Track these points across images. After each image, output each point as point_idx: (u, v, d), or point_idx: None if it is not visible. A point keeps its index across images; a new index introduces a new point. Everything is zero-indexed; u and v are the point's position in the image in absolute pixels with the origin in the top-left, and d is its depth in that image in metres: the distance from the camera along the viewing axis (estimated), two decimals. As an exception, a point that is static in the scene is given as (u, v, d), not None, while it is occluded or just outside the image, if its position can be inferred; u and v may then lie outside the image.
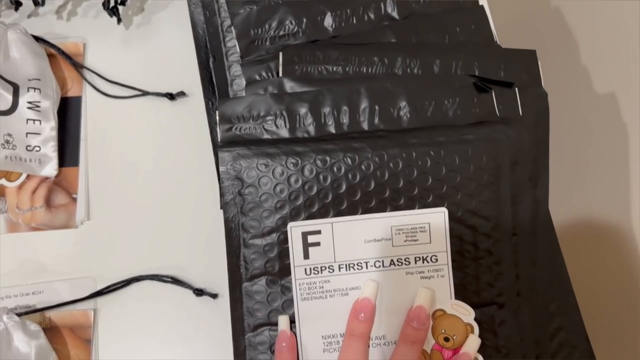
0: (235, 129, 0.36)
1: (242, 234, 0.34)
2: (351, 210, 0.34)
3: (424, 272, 0.34)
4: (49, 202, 0.42)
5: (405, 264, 0.34)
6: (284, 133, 0.36)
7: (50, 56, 0.44)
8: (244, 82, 0.38)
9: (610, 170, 0.49)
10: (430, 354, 0.34)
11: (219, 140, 0.36)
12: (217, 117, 0.36)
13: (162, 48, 0.45)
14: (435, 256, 0.35)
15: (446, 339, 0.34)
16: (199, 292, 0.38)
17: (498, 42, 0.39)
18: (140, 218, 0.41)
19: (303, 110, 0.36)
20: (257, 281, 0.34)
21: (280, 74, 0.37)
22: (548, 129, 0.37)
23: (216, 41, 0.40)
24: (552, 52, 0.51)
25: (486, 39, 0.39)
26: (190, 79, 0.42)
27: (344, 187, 0.34)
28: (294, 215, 0.34)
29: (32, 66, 0.42)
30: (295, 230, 0.34)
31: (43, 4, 0.44)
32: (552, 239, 0.37)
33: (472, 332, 0.34)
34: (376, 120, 0.36)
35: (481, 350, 0.34)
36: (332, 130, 0.36)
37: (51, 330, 0.38)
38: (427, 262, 0.34)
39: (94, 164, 0.43)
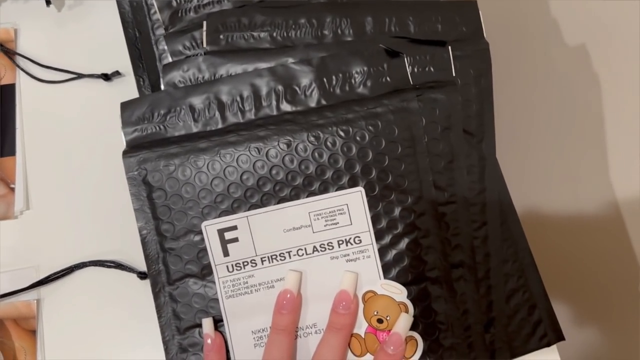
0: (139, 130, 0.35)
1: (158, 239, 0.33)
2: (265, 202, 0.33)
3: (348, 254, 0.33)
4: None
5: (328, 248, 0.33)
6: (189, 128, 0.34)
7: None
8: (171, 58, 0.37)
9: (575, 129, 0.46)
10: (365, 338, 0.33)
11: (124, 145, 0.35)
12: (120, 122, 0.35)
13: (95, 28, 0.44)
14: (359, 237, 0.33)
15: (379, 321, 0.33)
16: (143, 276, 0.38)
17: None
18: (80, 204, 0.41)
19: (205, 101, 0.34)
20: (179, 284, 0.34)
21: (205, 44, 0.36)
22: (491, 81, 0.35)
23: (141, 15, 0.39)
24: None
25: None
26: (125, 58, 0.40)
27: (253, 180, 0.33)
28: (207, 214, 0.33)
29: None
30: (210, 228, 0.33)
31: None
32: (503, 195, 0.35)
33: (406, 311, 0.33)
34: (282, 103, 0.34)
35: (419, 328, 0.33)
36: (237, 119, 0.34)
37: None
38: (351, 244, 0.33)
39: (32, 152, 0.42)
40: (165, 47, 0.37)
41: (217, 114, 0.34)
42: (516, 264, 0.35)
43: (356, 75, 0.34)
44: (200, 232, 0.33)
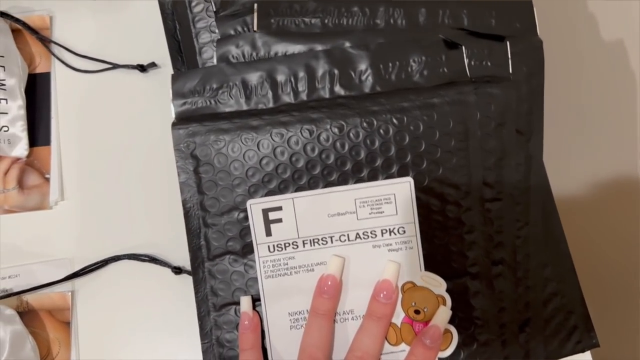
0: (190, 103, 0.34)
1: (201, 214, 0.33)
2: (312, 185, 0.33)
3: (391, 244, 0.33)
4: (22, 183, 0.41)
5: (371, 237, 0.33)
6: (240, 105, 0.34)
7: (15, 31, 0.42)
8: (212, 51, 0.36)
9: (618, 125, 0.46)
10: (401, 328, 0.33)
11: (173, 116, 0.34)
12: (170, 93, 0.34)
13: (132, 18, 0.43)
14: (403, 228, 0.33)
15: (417, 312, 0.33)
16: (178, 271, 0.38)
17: None
18: (115, 196, 0.41)
19: (258, 79, 0.34)
20: (219, 260, 0.34)
21: (255, 28, 0.35)
22: (543, 80, 0.35)
23: (181, 7, 0.38)
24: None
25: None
26: (161, 49, 0.39)
27: (303, 161, 0.33)
28: (253, 192, 0.33)
29: None
30: (255, 207, 0.33)
31: None
32: (546, 197, 0.35)
33: (444, 304, 0.33)
34: (336, 86, 0.34)
35: (455, 322, 0.33)
36: (290, 99, 0.34)
37: (29, 314, 0.39)
38: (395, 234, 0.33)
39: (66, 142, 0.42)
40: (205, 40, 0.37)
41: (270, 92, 0.34)
42: (556, 269, 0.35)
43: (413, 64, 0.33)
44: (245, 210, 0.33)
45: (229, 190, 0.33)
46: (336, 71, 0.34)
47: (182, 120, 0.34)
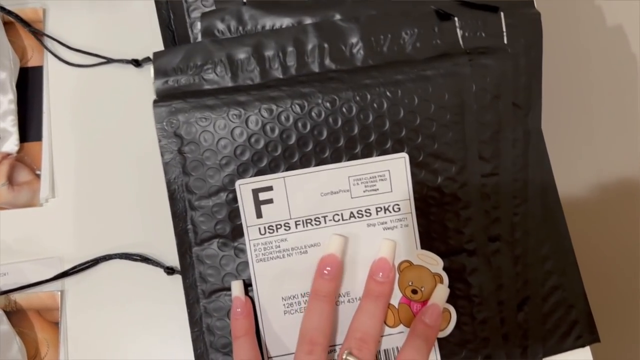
0: (173, 81, 0.32)
1: (187, 196, 0.32)
2: (304, 163, 0.32)
3: (386, 222, 0.32)
4: (12, 179, 0.39)
5: (365, 215, 0.32)
6: (226, 82, 0.32)
7: (7, 24, 0.40)
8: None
9: (620, 125, 0.46)
10: (399, 308, 0.32)
11: (154, 95, 0.32)
12: (152, 71, 0.32)
13: (127, 11, 0.41)
14: (398, 205, 0.32)
15: (414, 291, 0.32)
16: (170, 271, 0.36)
17: None
18: (107, 194, 0.39)
19: (244, 55, 0.32)
20: (207, 245, 0.32)
21: None
22: (541, 53, 0.34)
23: None
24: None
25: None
26: (156, 45, 0.38)
27: (294, 138, 0.31)
28: (242, 172, 0.31)
29: None
30: (245, 187, 0.31)
31: None
32: (545, 174, 0.34)
33: (442, 282, 0.32)
34: (326, 60, 0.32)
35: (453, 300, 0.32)
36: (279, 74, 0.32)
37: (17, 314, 0.37)
38: (390, 212, 0.32)
39: (58, 138, 0.40)
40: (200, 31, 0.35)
41: (257, 68, 0.32)
42: (558, 262, 0.34)
43: (405, 36, 0.32)
44: (234, 191, 0.31)
45: (216, 170, 0.31)
46: (326, 45, 0.32)
47: (164, 97, 0.32)
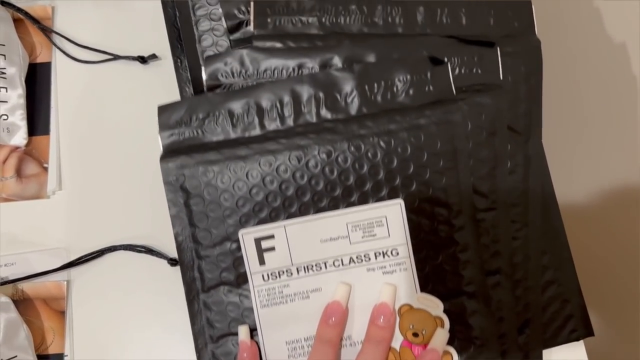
0: (177, 134, 0.34)
1: (194, 246, 0.33)
2: (303, 211, 0.33)
3: (385, 267, 0.33)
4: (20, 172, 0.41)
5: (365, 260, 0.33)
6: (227, 134, 0.34)
7: (17, 21, 0.42)
8: (211, 39, 0.36)
9: (621, 132, 0.46)
10: (400, 351, 0.33)
11: (161, 149, 0.34)
12: (158, 125, 0.34)
13: (133, 9, 0.43)
14: (396, 250, 0.33)
15: (415, 335, 0.33)
16: (174, 262, 0.37)
17: None
18: (113, 186, 0.40)
19: (244, 107, 0.34)
20: (214, 292, 0.33)
21: (252, 28, 0.35)
22: (541, 80, 0.35)
23: None
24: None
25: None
26: (162, 41, 0.39)
27: (292, 189, 0.33)
28: (244, 222, 0.33)
29: None
30: (247, 237, 0.33)
31: None
32: (546, 192, 0.35)
33: (442, 325, 0.33)
34: (322, 110, 0.34)
35: (455, 342, 0.33)
36: (277, 125, 0.34)
37: (24, 303, 0.38)
38: (388, 256, 0.33)
39: (65, 132, 0.41)
40: (205, 28, 0.36)
41: (256, 119, 0.34)
42: (554, 257, 0.35)
43: (398, 83, 0.33)
44: (237, 240, 0.33)
45: (220, 221, 0.33)
46: (321, 94, 0.33)
47: (170, 152, 0.34)
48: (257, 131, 0.34)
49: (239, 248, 0.33)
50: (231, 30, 0.36)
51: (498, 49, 0.34)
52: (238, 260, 0.33)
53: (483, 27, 0.35)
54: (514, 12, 0.35)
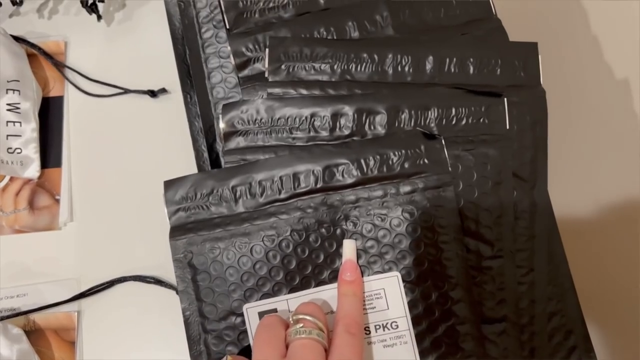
0: (183, 209, 0.36)
1: (200, 320, 0.35)
2: (304, 285, 0.34)
3: (385, 340, 0.33)
4: (32, 204, 0.42)
5: (365, 333, 0.34)
6: (231, 209, 0.35)
7: (31, 56, 0.44)
8: (220, 75, 0.38)
9: (621, 145, 0.47)
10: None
11: (169, 224, 0.36)
12: (164, 201, 0.36)
13: (144, 44, 0.45)
14: (395, 322, 0.33)
15: (417, 407, 0.33)
16: None
17: (496, 15, 0.38)
18: (123, 218, 0.41)
19: (245, 184, 0.35)
20: (220, 365, 0.35)
21: (267, 74, 0.37)
22: (546, 128, 0.36)
23: (192, 33, 0.40)
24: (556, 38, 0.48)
25: (484, 12, 0.38)
26: (172, 75, 0.41)
27: (294, 263, 0.34)
28: (249, 297, 0.34)
29: (11, 67, 0.42)
30: (251, 311, 0.34)
31: (21, 3, 0.44)
32: (552, 235, 0.35)
33: (444, 396, 0.33)
34: (319, 184, 0.35)
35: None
36: (278, 200, 0.35)
37: (35, 333, 0.39)
38: (388, 329, 0.33)
39: (77, 165, 0.43)
40: (214, 66, 0.38)
41: (258, 194, 0.35)
42: (556, 288, 0.35)
43: (393, 157, 0.35)
44: (242, 315, 0.34)
45: (226, 296, 0.34)
46: (319, 169, 0.35)
47: (178, 229, 0.36)
48: (259, 206, 0.35)
49: (243, 322, 0.34)
50: (239, 67, 0.38)
51: (505, 100, 0.35)
52: (242, 334, 0.34)
53: (490, 77, 0.37)
54: (521, 61, 0.37)
